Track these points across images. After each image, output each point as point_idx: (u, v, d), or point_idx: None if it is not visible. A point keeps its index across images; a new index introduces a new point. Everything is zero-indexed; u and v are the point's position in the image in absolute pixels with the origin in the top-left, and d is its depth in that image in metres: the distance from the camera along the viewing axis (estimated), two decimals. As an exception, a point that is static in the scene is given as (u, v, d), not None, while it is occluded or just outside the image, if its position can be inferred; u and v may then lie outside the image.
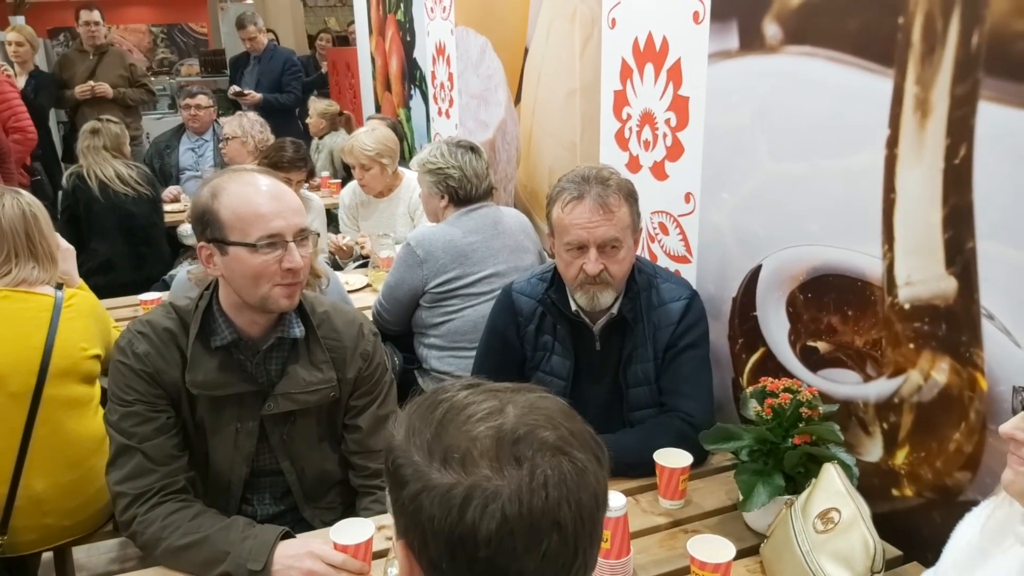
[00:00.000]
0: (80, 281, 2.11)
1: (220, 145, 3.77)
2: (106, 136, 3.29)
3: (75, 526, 1.84)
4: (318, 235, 1.49)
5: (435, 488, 0.61)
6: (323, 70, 6.23)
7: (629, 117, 2.02)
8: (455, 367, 2.13)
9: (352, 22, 5.46)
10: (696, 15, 1.73)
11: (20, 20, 10.84)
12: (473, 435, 0.63)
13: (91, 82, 4.64)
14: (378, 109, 4.65)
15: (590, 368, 1.66)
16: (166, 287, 3.31)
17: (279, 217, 1.34)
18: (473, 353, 2.10)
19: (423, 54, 3.76)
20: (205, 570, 1.28)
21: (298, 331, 1.44)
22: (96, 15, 4.61)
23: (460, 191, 2.19)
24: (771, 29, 1.54)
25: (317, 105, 4.53)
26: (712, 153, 1.74)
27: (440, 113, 3.56)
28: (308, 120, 4.52)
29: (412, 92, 4.03)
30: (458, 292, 2.14)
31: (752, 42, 1.59)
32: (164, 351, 1.38)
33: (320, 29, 7.91)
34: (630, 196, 1.58)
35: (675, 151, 1.85)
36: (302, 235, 1.38)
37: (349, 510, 1.54)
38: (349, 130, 4.47)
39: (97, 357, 1.88)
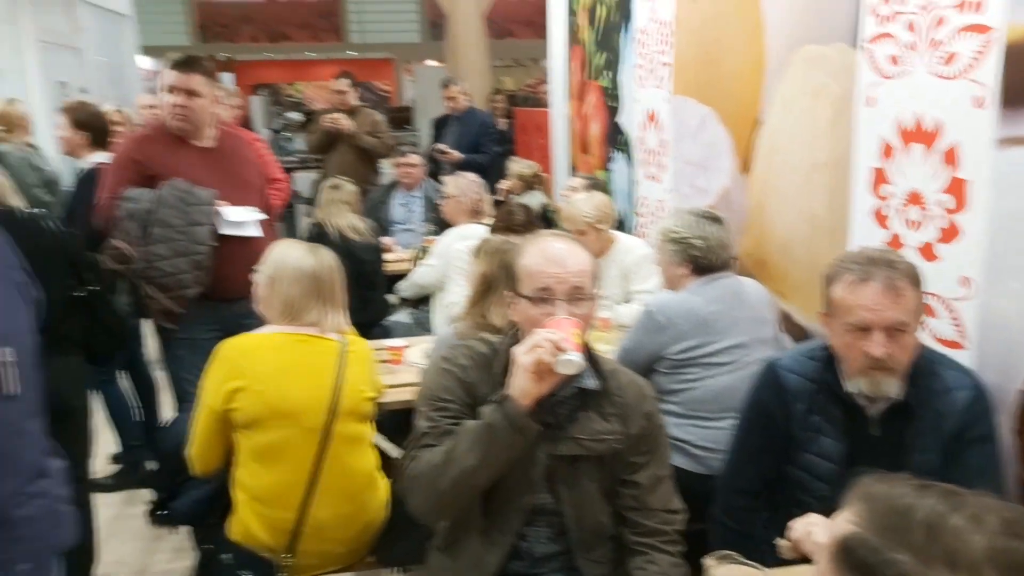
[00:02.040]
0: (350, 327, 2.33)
1: (439, 203, 4.05)
2: (345, 193, 3.65)
3: (347, 554, 2.00)
4: (598, 296, 1.59)
5: None
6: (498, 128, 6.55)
7: (891, 196, 2.01)
8: (695, 436, 2.15)
9: (543, 82, 5.72)
10: (979, 100, 1.71)
11: (228, 77, 12.07)
12: (970, 541, 0.67)
13: (336, 114, 5.03)
14: (573, 170, 4.83)
15: (864, 454, 1.64)
16: (386, 332, 3.57)
17: (551, 276, 1.49)
18: (714, 423, 2.14)
19: (629, 120, 3.89)
20: (472, 450, 1.44)
21: (592, 383, 1.55)
22: (344, 83, 5.07)
23: (703, 260, 2.24)
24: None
25: (517, 165, 4.75)
26: (999, 239, 1.70)
27: (649, 177, 3.66)
28: (506, 179, 4.75)
29: (614, 155, 4.16)
30: (698, 361, 2.18)
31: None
32: (480, 370, 1.57)
33: (495, 89, 8.32)
34: (916, 280, 1.57)
35: (950, 233, 1.82)
36: (577, 294, 1.50)
37: (619, 568, 1.60)
38: (545, 190, 4.67)
39: (371, 399, 2.06)
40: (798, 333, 2.47)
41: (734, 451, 1.85)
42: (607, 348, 2.33)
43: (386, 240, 4.35)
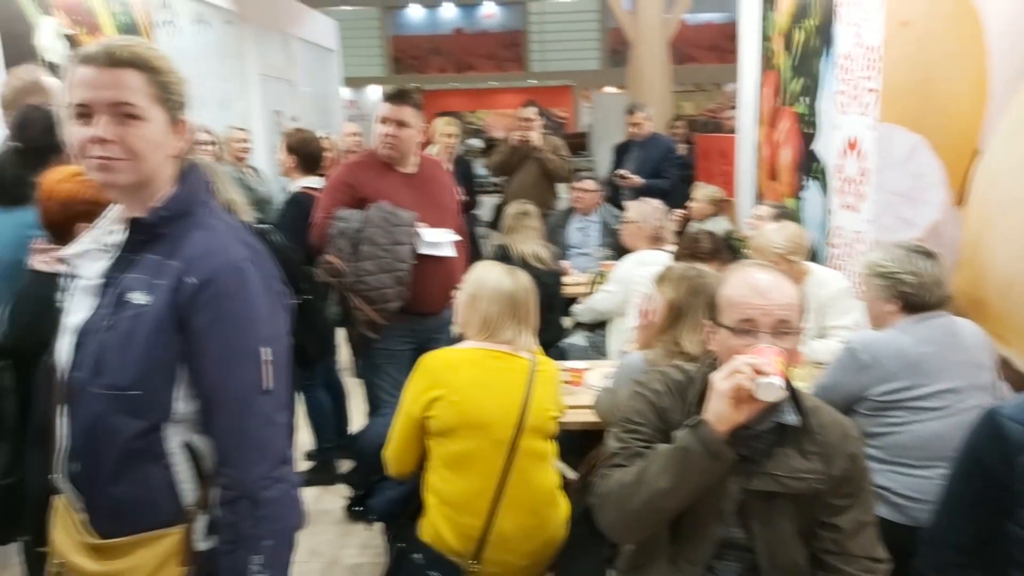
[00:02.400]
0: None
1: (616, 228, 4.08)
2: (531, 219, 3.76)
3: (527, 567, 2.05)
4: (803, 329, 1.54)
5: None
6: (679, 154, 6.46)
7: None
8: (897, 484, 2.01)
9: (725, 107, 5.60)
10: None
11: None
12: None
13: (529, 133, 5.15)
14: (759, 198, 4.69)
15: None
16: (561, 353, 3.62)
17: (755, 308, 1.46)
18: (920, 472, 1.99)
19: (826, 147, 3.72)
20: (664, 473, 1.44)
21: (792, 418, 1.51)
22: (531, 111, 5.24)
23: (914, 297, 2.10)
24: None
25: (705, 191, 4.68)
26: None
27: (845, 207, 3.48)
28: (692, 205, 4.68)
29: (806, 183, 4.00)
30: (905, 404, 2.04)
31: None
32: (674, 397, 1.58)
33: (676, 115, 8.23)
34: None
35: None
36: (782, 327, 1.46)
37: (815, 612, 1.53)
38: (731, 216, 4.56)
39: (555, 418, 2.11)
40: (1019, 381, 2.25)
41: (946, 503, 1.71)
42: (801, 385, 2.24)
43: (563, 264, 4.42)
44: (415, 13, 15.30)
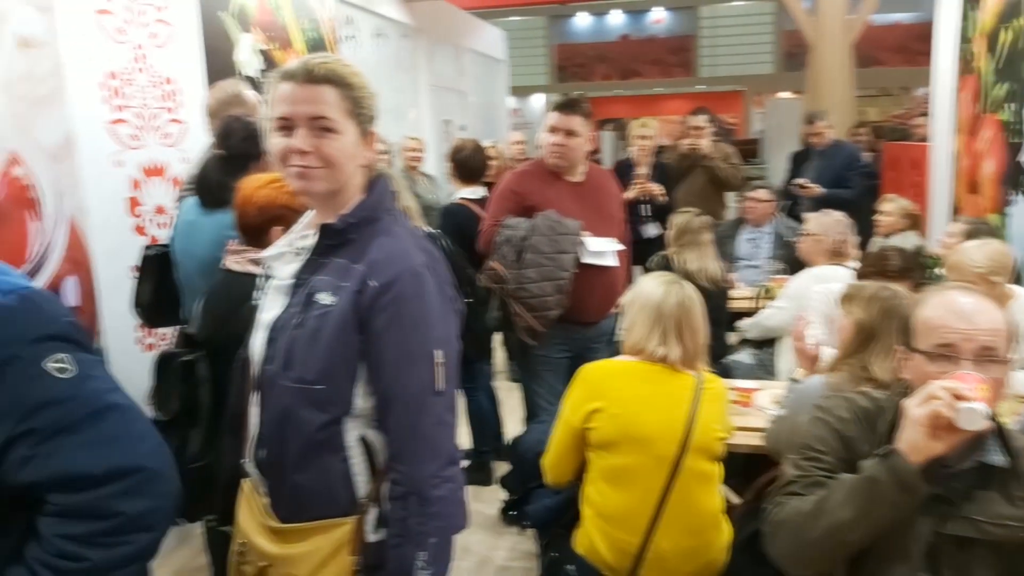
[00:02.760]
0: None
1: (792, 240, 3.86)
2: (702, 234, 3.57)
3: (685, 591, 1.98)
4: (1011, 360, 1.37)
5: None
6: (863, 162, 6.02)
7: None
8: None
9: (914, 113, 5.16)
10: None
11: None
12: None
13: (699, 141, 4.99)
14: (955, 212, 4.28)
15: None
16: (725, 371, 3.47)
17: (957, 332, 1.33)
18: None
19: (1038, 157, 3.34)
20: (847, 503, 1.34)
21: (999, 458, 1.37)
22: (702, 119, 5.10)
23: None
24: None
25: (896, 203, 4.32)
26: None
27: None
28: (881, 218, 4.34)
29: (1013, 198, 3.60)
30: None
31: None
32: (861, 426, 1.46)
33: (859, 121, 7.69)
34: None
35: None
36: (986, 354, 1.33)
37: None
38: (921, 231, 4.19)
39: (722, 439, 2.02)
40: None
41: None
42: (1009, 422, 2.00)
43: (730, 276, 4.25)
44: (582, 21, 15.37)
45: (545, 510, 2.23)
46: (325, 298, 1.27)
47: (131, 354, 2.93)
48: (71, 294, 2.73)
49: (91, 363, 1.07)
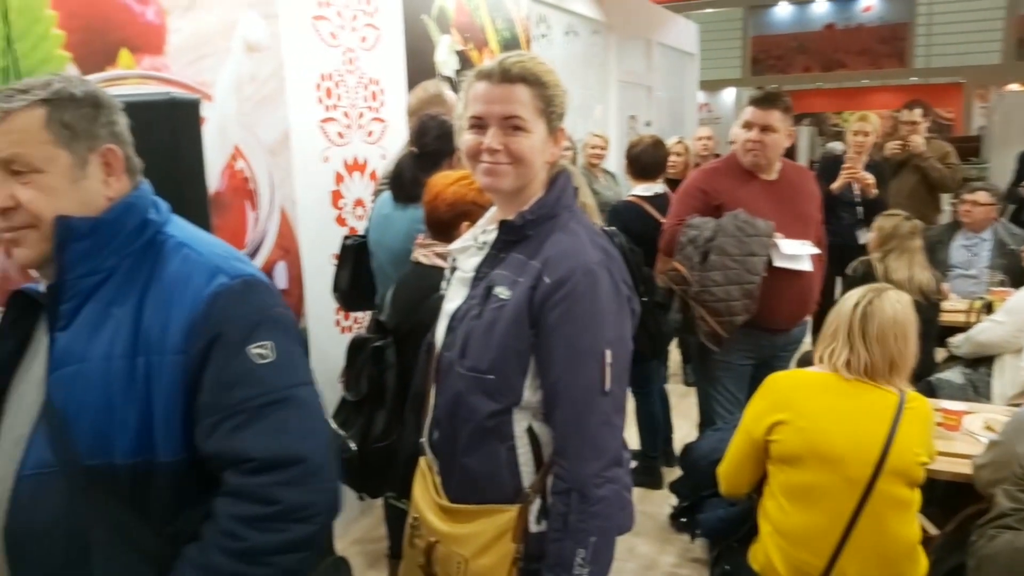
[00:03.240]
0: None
1: (1017, 249, 3.46)
2: (911, 236, 3.27)
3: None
4: None
5: None
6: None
7: None
8: None
9: None
10: None
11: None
12: None
13: (912, 138, 4.60)
14: None
15: None
16: (930, 389, 3.16)
17: None
18: None
19: None
20: None
21: None
22: (916, 114, 4.68)
23: None
24: None
25: None
26: None
27: None
28: None
29: None
30: None
31: None
32: None
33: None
34: None
35: None
36: None
37: None
38: None
39: (923, 464, 1.84)
40: None
41: None
42: None
43: (944, 287, 3.87)
44: (782, 11, 14.61)
45: (718, 520, 2.15)
46: (502, 292, 1.30)
47: (329, 335, 3.17)
48: (281, 278, 2.99)
49: (291, 353, 1.13)
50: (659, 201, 3.46)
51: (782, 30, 14.70)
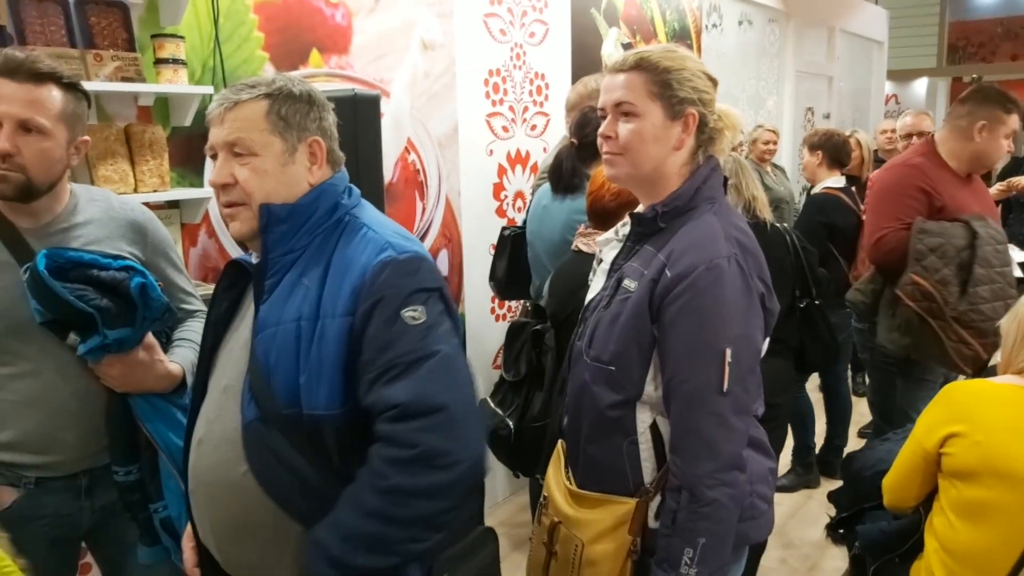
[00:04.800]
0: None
1: None
2: None
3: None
4: None
5: None
6: None
7: None
8: None
9: None
10: None
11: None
12: None
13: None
14: None
15: None
16: None
17: None
18: None
19: None
20: None
21: None
22: None
23: None
24: None
25: None
26: None
27: None
28: None
29: None
30: None
31: None
32: None
33: None
34: None
35: None
36: None
37: None
38: None
39: None
40: None
41: None
42: None
43: None
44: (987, -7, 13.30)
45: (880, 534, 2.03)
46: (629, 284, 1.31)
47: (485, 322, 3.30)
48: (442, 266, 3.15)
49: (441, 318, 1.21)
50: (849, 193, 3.39)
51: (988, 14, 13.36)
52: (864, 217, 2.89)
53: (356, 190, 1.35)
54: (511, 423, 2.09)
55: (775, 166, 4.74)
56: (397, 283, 1.19)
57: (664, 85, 1.30)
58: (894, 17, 8.81)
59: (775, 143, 4.61)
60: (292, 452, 1.18)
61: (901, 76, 12.78)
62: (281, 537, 1.20)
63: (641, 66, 1.30)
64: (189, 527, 1.40)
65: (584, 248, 2.09)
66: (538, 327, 2.14)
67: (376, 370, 1.15)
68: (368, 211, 1.33)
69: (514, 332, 2.24)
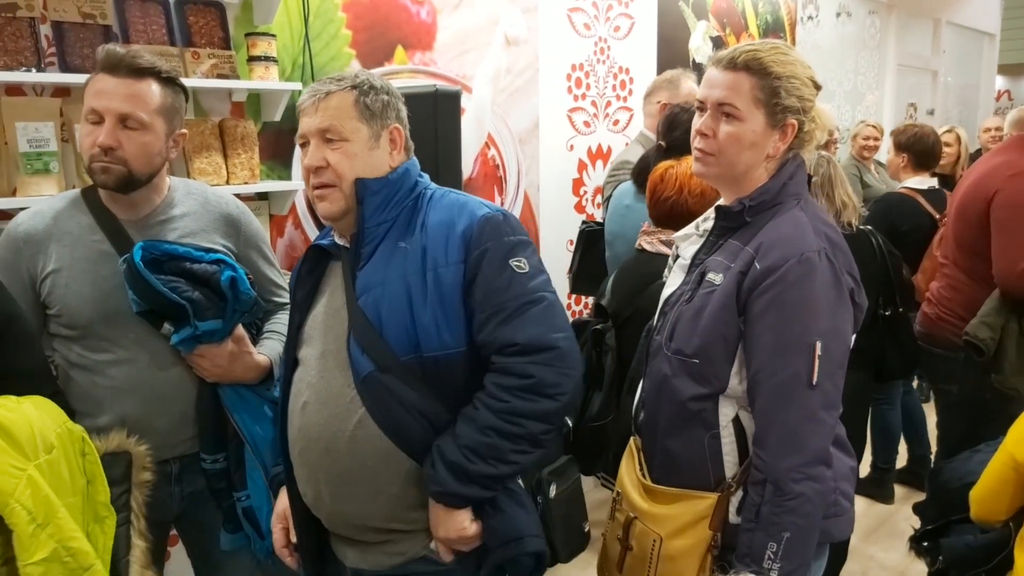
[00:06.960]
0: None
1: None
2: None
3: None
4: None
5: None
6: None
7: None
8: None
9: None
10: None
11: None
12: None
13: None
14: None
15: None
16: None
17: None
18: None
19: None
20: None
21: None
22: None
23: None
24: None
25: None
26: None
27: None
28: None
29: None
30: None
31: None
32: None
33: None
34: None
35: None
36: None
37: None
38: None
39: None
40: None
41: None
42: None
43: None
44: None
45: (965, 547, 1.94)
46: (714, 277, 1.30)
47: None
48: (521, 259, 3.17)
49: (539, 268, 1.36)
50: (933, 196, 3.17)
51: (1116, 1, 12.39)
52: (993, 238, 2.35)
53: (426, 175, 1.46)
54: (570, 422, 2.10)
55: (879, 163, 4.54)
56: (500, 235, 1.33)
57: (772, 92, 1.28)
58: (1007, 7, 8.29)
59: (877, 139, 4.41)
60: (413, 394, 1.30)
61: (1014, 71, 11.99)
62: (392, 481, 1.33)
63: (751, 68, 1.28)
64: (278, 508, 1.50)
65: (648, 247, 2.07)
66: (599, 326, 2.14)
67: (490, 311, 1.30)
68: (443, 188, 1.45)
69: (575, 331, 2.23)
